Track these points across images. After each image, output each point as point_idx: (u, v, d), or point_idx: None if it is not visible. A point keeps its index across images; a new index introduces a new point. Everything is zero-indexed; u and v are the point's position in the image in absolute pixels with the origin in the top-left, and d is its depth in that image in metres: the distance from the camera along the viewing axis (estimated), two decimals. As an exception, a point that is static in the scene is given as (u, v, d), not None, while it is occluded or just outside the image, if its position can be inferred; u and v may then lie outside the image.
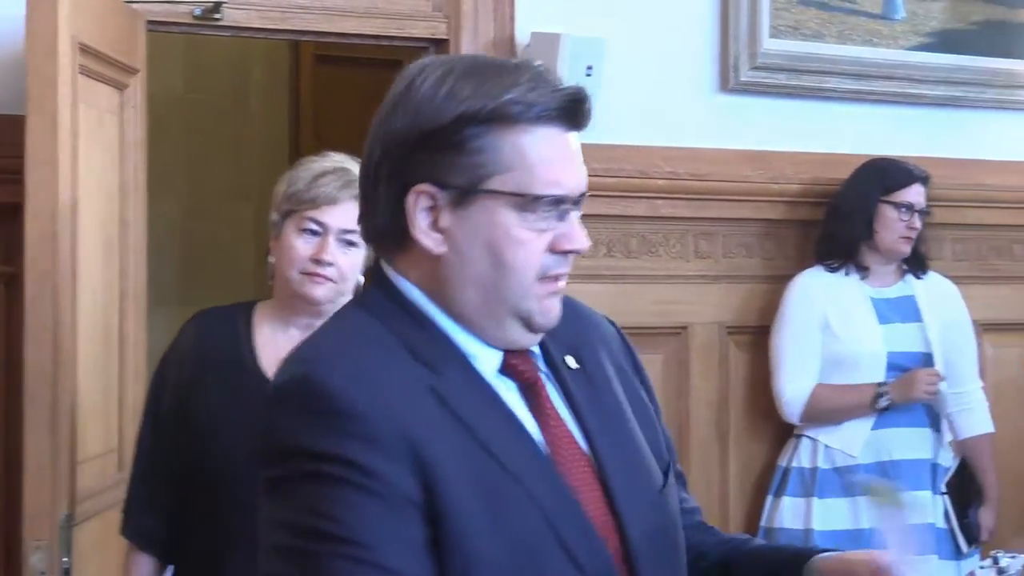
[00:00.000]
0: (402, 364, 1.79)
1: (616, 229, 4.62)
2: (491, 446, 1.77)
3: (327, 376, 1.73)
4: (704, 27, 4.81)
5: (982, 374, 4.85)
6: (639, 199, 4.59)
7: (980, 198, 5.16)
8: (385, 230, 1.86)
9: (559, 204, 1.81)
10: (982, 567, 3.15)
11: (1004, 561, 3.05)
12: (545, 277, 1.83)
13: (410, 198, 1.80)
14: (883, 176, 4.58)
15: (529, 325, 1.84)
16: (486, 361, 1.85)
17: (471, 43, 4.45)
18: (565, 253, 1.83)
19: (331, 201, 2.91)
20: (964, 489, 4.53)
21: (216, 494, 2.85)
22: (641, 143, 4.55)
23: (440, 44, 4.48)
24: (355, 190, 2.86)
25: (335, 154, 3.02)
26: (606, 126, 4.23)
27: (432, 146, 1.79)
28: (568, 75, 4.08)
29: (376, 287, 1.90)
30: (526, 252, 1.80)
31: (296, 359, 1.82)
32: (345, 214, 2.90)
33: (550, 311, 1.85)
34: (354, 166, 2.93)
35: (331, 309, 2.91)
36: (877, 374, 4.45)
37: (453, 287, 1.83)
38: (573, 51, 4.32)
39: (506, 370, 1.86)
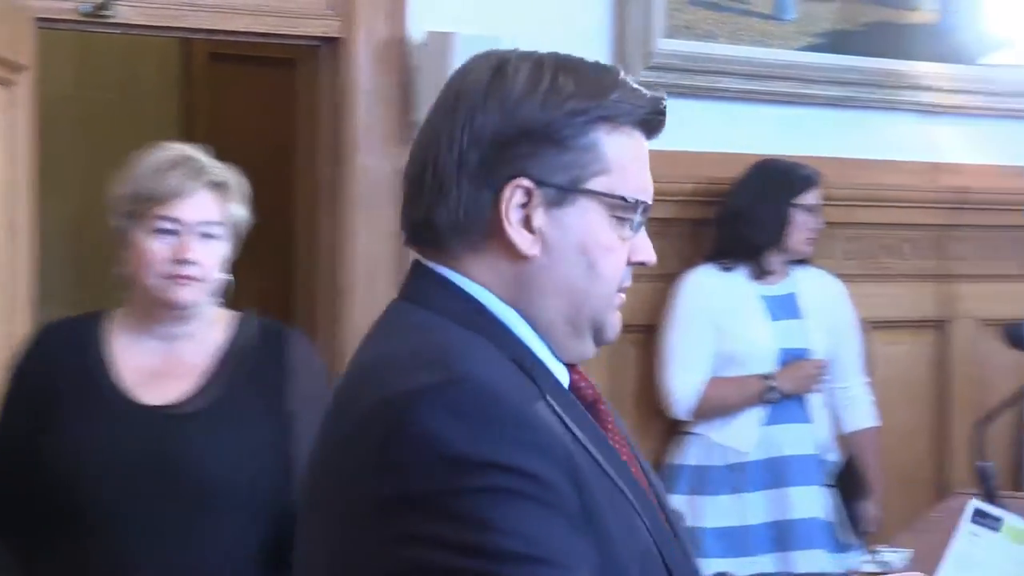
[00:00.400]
0: (515, 372, 1.65)
1: (510, 228, 4.61)
2: (603, 463, 1.65)
3: (486, 378, 1.57)
4: (598, 27, 4.83)
5: (872, 371, 4.92)
6: (533, 199, 4.58)
7: (870, 197, 5.22)
8: (459, 226, 1.69)
9: (645, 212, 1.73)
10: (864, 562, 3.19)
11: (887, 556, 3.09)
12: (620, 288, 1.75)
13: (506, 192, 1.67)
14: (790, 180, 4.63)
15: (598, 338, 1.74)
16: (560, 375, 1.73)
17: (366, 41, 4.44)
18: (633, 265, 1.76)
19: (181, 194, 2.71)
20: (849, 483, 4.59)
21: (76, 516, 2.67)
22: (535, 143, 4.55)
23: (333, 43, 4.46)
24: (206, 178, 2.74)
25: (174, 144, 2.85)
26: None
27: (533, 141, 1.67)
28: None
29: (432, 288, 1.72)
30: (615, 260, 1.72)
31: (418, 362, 1.60)
32: (199, 206, 2.73)
33: (617, 324, 1.76)
34: (198, 154, 2.79)
35: (195, 313, 2.80)
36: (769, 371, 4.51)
37: (539, 292, 1.70)
38: (467, 51, 4.26)
39: (570, 387, 1.74)
